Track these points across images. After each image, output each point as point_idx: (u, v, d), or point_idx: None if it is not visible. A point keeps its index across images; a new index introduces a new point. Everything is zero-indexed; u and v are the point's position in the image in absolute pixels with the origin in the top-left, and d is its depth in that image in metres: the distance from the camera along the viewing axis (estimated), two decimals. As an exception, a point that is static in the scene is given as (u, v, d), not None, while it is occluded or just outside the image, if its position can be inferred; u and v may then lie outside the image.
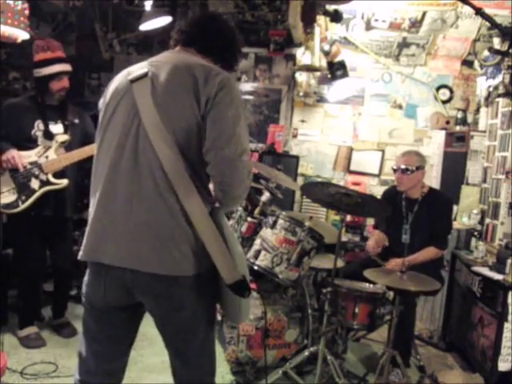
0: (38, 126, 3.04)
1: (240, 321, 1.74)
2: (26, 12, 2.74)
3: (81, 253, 1.58)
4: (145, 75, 1.57)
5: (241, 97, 1.64)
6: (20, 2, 2.66)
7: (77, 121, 3.21)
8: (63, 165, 3.03)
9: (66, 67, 3.09)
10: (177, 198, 1.47)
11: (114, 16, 4.89)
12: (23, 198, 2.94)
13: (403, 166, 3.27)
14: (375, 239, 3.40)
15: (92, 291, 1.60)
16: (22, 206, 2.94)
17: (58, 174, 3.04)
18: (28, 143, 3.00)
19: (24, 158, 2.95)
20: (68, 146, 3.09)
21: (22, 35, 2.80)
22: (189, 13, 4.70)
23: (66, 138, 3.08)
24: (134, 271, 1.48)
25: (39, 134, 3.04)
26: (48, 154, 3.02)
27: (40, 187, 2.98)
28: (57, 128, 3.10)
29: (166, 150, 1.47)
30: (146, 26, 4.02)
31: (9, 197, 2.93)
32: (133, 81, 1.58)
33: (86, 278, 1.63)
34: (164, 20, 3.99)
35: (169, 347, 1.67)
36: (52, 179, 3.01)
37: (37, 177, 2.97)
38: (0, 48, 4.03)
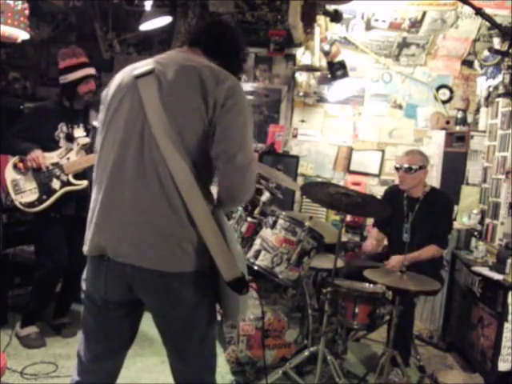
0: (62, 128, 3.13)
1: (238, 318, 1.76)
2: (26, 12, 2.74)
3: (85, 247, 1.59)
4: (151, 72, 1.55)
5: (248, 103, 1.64)
6: (20, 2, 2.66)
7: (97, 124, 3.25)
8: (84, 166, 3.10)
9: (91, 71, 3.18)
10: (180, 196, 1.47)
11: (114, 16, 4.89)
12: (44, 197, 3.02)
13: (406, 165, 3.27)
14: (373, 239, 3.42)
15: (92, 287, 1.61)
16: (43, 205, 3.01)
17: (79, 176, 3.12)
18: (51, 144, 3.10)
19: (47, 158, 3.05)
20: (89, 149, 3.18)
21: (22, 35, 2.81)
22: (189, 13, 4.70)
23: (86, 140, 3.17)
24: (134, 267, 1.49)
25: (62, 136, 3.14)
26: (69, 155, 3.11)
27: (61, 187, 3.06)
28: (79, 131, 3.20)
29: (171, 149, 1.47)
30: (146, 26, 4.02)
31: (31, 195, 3.02)
32: (138, 77, 1.56)
33: (85, 275, 1.64)
34: (164, 20, 3.99)
35: (168, 345, 1.66)
36: (73, 180, 3.09)
37: (58, 177, 3.06)
38: (0, 48, 4.03)
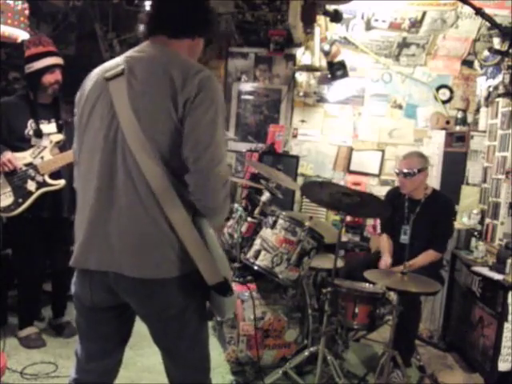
0: (31, 125, 2.98)
1: (225, 316, 1.75)
2: (26, 12, 2.74)
3: (71, 260, 1.58)
4: (121, 73, 1.50)
5: (222, 98, 1.54)
6: (20, 2, 2.66)
7: (70, 119, 3.17)
8: (59, 165, 2.97)
9: (58, 60, 3.03)
10: (158, 204, 1.44)
11: (114, 16, 4.89)
12: (20, 200, 2.90)
13: (405, 170, 3.25)
14: (387, 251, 3.35)
15: (80, 292, 1.61)
16: (20, 209, 2.90)
17: (55, 175, 2.99)
18: (21, 144, 2.94)
19: (19, 159, 2.90)
20: (63, 146, 3.03)
21: (22, 35, 2.80)
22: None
23: (60, 137, 3.02)
24: (116, 274, 1.48)
25: (32, 133, 2.98)
26: (43, 154, 2.97)
27: (37, 189, 2.93)
28: (50, 127, 3.04)
29: (144, 155, 1.44)
30: (146, 26, 4.01)
31: (5, 200, 2.88)
32: (109, 78, 1.52)
33: (74, 279, 1.64)
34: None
35: (159, 346, 1.66)
36: (49, 180, 2.96)
37: (33, 178, 2.92)
38: (0, 48, 4.02)
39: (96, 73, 1.60)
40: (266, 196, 3.27)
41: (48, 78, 2.97)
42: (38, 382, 2.68)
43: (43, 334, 3.19)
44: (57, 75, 3.00)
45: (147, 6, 3.97)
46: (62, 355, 2.99)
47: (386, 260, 3.29)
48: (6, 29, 2.65)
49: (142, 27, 1.67)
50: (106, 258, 1.49)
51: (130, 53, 1.60)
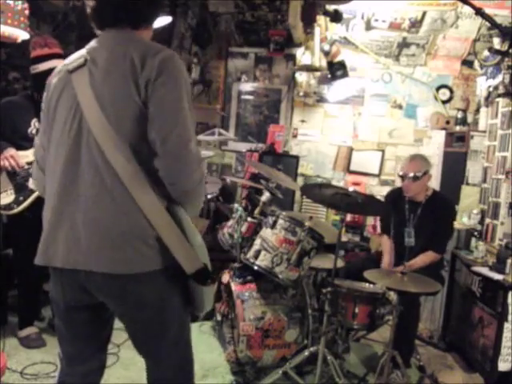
0: (35, 124, 2.98)
1: (203, 310, 1.62)
2: (26, 12, 2.74)
3: (36, 257, 1.52)
4: (83, 64, 1.48)
5: (186, 76, 1.49)
6: (20, 2, 2.66)
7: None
8: None
9: (62, 63, 3.05)
10: (128, 194, 1.39)
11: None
12: (21, 198, 2.91)
13: (412, 174, 3.24)
14: (389, 252, 3.36)
15: (54, 292, 1.56)
16: (21, 207, 2.90)
17: None
18: (24, 142, 2.95)
19: (21, 157, 2.91)
20: None
21: (22, 35, 2.80)
22: (189, 13, 4.70)
23: None
24: (87, 272, 1.42)
25: (35, 132, 2.97)
26: None
27: None
28: None
29: (111, 146, 1.39)
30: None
31: (7, 197, 2.89)
32: (71, 71, 1.50)
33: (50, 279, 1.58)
34: (164, 20, 3.98)
35: (139, 348, 1.58)
36: None
37: None
38: (0, 48, 4.02)
39: (60, 68, 1.60)
40: (265, 196, 3.27)
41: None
42: (38, 382, 2.68)
43: (43, 334, 3.19)
44: None
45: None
46: (62, 355, 2.99)
47: (386, 261, 3.30)
48: (6, 29, 2.65)
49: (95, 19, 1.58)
50: (73, 254, 1.42)
51: (92, 43, 1.57)
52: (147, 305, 1.47)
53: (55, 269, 1.49)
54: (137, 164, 1.41)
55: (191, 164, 1.43)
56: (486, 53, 4.18)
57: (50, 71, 2.92)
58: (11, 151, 2.87)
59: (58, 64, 2.97)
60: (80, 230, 1.42)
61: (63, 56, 3.03)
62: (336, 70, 4.61)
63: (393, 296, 2.60)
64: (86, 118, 1.44)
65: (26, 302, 3.20)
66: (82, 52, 1.54)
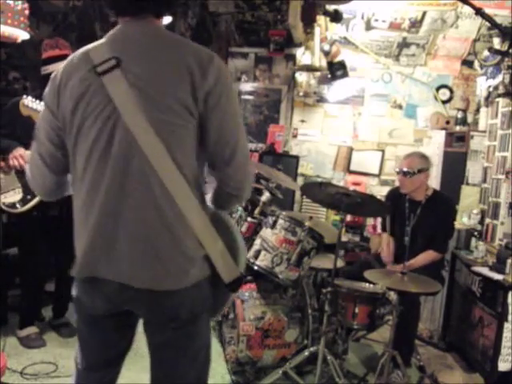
0: None
1: (219, 314, 1.58)
2: (26, 12, 2.74)
3: (75, 268, 1.43)
4: (115, 66, 1.31)
5: (232, 81, 1.42)
6: (20, 2, 2.66)
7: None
8: None
9: None
10: (176, 207, 1.32)
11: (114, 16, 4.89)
12: (29, 197, 2.94)
13: (405, 169, 3.26)
14: (387, 247, 3.41)
15: (82, 298, 1.49)
16: (27, 206, 2.93)
17: None
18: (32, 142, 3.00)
19: None
20: None
21: (22, 35, 2.80)
22: (189, 13, 4.70)
23: None
24: (122, 285, 1.36)
25: None
26: None
27: None
28: None
29: (159, 158, 1.30)
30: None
31: (14, 196, 2.93)
32: (100, 73, 1.32)
33: (75, 282, 1.50)
34: (164, 20, 3.98)
35: (157, 357, 1.51)
36: None
37: None
38: (0, 48, 4.02)
39: (77, 64, 1.38)
40: (265, 196, 3.27)
41: None
42: (38, 382, 2.68)
43: (43, 334, 3.19)
44: None
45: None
46: (62, 355, 2.99)
47: (386, 253, 3.39)
48: (6, 29, 2.65)
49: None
50: (114, 266, 1.36)
51: (113, 37, 1.39)
52: (180, 318, 1.42)
53: (87, 278, 1.42)
54: (185, 176, 1.33)
55: (251, 173, 1.46)
56: (486, 53, 4.19)
57: None
58: (20, 150, 2.90)
59: None
60: (124, 243, 1.35)
61: None
62: (336, 70, 4.61)
63: (393, 296, 2.60)
64: (129, 129, 1.31)
65: (28, 302, 3.21)
66: (104, 46, 1.36)
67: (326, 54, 4.56)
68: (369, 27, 4.70)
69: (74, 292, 1.53)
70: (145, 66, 1.32)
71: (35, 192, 1.65)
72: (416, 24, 4.56)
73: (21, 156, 2.88)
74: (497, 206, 3.57)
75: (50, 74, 2.94)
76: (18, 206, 2.92)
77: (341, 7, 4.19)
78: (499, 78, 3.86)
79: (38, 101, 2.03)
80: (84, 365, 1.59)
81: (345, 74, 4.65)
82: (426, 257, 3.20)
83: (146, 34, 1.38)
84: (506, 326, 2.73)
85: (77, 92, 1.35)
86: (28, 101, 2.12)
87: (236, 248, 1.49)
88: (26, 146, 2.91)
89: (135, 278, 1.35)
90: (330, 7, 4.13)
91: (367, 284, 2.79)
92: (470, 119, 4.72)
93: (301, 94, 5.12)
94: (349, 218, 4.72)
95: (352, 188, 2.71)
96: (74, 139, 1.39)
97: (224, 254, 1.41)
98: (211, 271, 1.42)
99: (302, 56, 4.57)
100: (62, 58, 2.95)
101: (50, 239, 3.17)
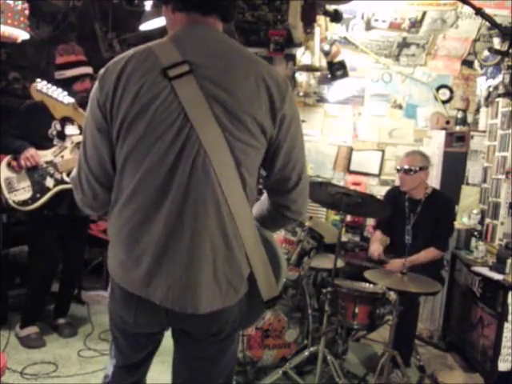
0: (55, 126, 3.09)
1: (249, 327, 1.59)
2: (26, 12, 2.74)
3: (135, 287, 1.32)
4: (188, 71, 1.23)
5: None
6: (20, 2, 2.66)
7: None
8: None
9: (89, 70, 3.16)
10: (237, 228, 1.30)
11: (114, 16, 4.88)
12: (38, 195, 2.99)
13: (406, 167, 3.27)
14: (378, 244, 3.40)
15: (121, 312, 1.42)
16: (36, 204, 2.98)
17: None
18: (45, 142, 3.06)
19: (41, 156, 3.02)
20: None
21: (22, 35, 2.80)
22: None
23: (81, 138, 3.12)
24: (173, 311, 1.32)
25: (55, 134, 3.10)
26: (63, 153, 3.07)
27: (54, 186, 3.02)
28: (73, 129, 3.15)
29: (228, 176, 1.26)
30: (146, 26, 4.01)
31: (24, 194, 2.98)
32: (172, 78, 1.23)
33: (111, 293, 1.42)
34: (164, 20, 3.98)
35: (187, 367, 1.50)
36: (66, 178, 3.04)
37: (52, 175, 3.02)
38: (0, 48, 4.03)
39: (138, 63, 1.26)
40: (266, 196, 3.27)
41: (78, 87, 3.09)
42: (38, 382, 2.68)
43: (43, 334, 3.19)
44: (86, 84, 3.12)
45: (147, 5, 3.96)
46: (62, 355, 2.99)
47: (377, 247, 3.36)
48: (6, 29, 2.65)
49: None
50: (172, 292, 1.29)
51: (178, 37, 1.30)
52: (222, 332, 1.40)
53: (132, 294, 1.33)
54: (247, 197, 1.31)
55: (308, 201, 1.47)
56: (486, 53, 4.19)
57: (76, 78, 3.09)
58: (31, 151, 2.97)
59: (87, 71, 3.13)
60: (180, 267, 1.28)
61: (88, 63, 3.18)
62: (336, 70, 4.61)
63: (393, 296, 2.60)
64: (202, 144, 1.23)
65: (32, 301, 3.21)
66: (171, 48, 1.27)
67: (326, 53, 4.55)
68: (369, 27, 4.70)
69: (111, 302, 1.45)
70: (220, 76, 1.25)
71: (85, 210, 1.50)
72: (416, 24, 4.56)
73: (32, 156, 2.96)
74: (497, 206, 3.57)
75: (66, 78, 3.06)
76: (28, 203, 2.97)
77: (341, 7, 4.18)
78: (499, 78, 3.86)
79: (50, 84, 2.07)
80: (119, 370, 1.58)
81: (345, 74, 4.65)
82: (428, 254, 3.20)
83: (214, 38, 1.31)
84: (506, 325, 2.73)
85: (146, 96, 1.24)
86: (42, 85, 2.13)
87: (278, 267, 1.48)
88: (38, 147, 3.03)
89: (191, 304, 1.30)
90: (330, 7, 4.13)
91: (367, 284, 2.79)
92: (470, 119, 4.72)
93: (301, 93, 5.11)
94: (349, 218, 4.72)
95: (352, 188, 2.71)
96: (133, 143, 1.27)
97: (269, 274, 1.39)
98: (250, 286, 1.41)
99: (302, 56, 4.56)
100: (78, 64, 3.13)
101: (60, 238, 3.20)
